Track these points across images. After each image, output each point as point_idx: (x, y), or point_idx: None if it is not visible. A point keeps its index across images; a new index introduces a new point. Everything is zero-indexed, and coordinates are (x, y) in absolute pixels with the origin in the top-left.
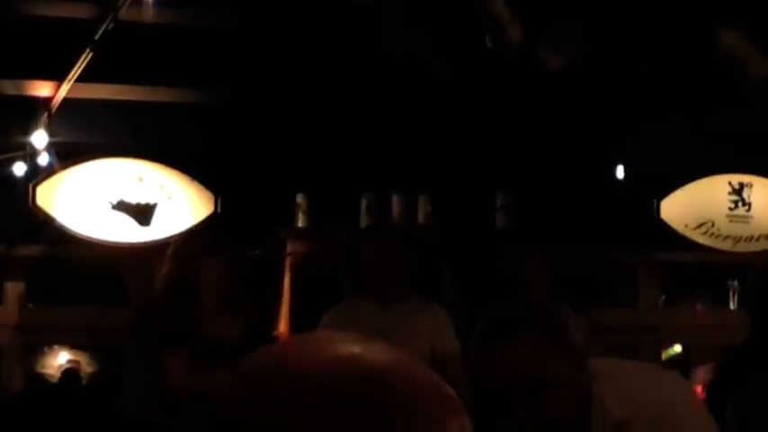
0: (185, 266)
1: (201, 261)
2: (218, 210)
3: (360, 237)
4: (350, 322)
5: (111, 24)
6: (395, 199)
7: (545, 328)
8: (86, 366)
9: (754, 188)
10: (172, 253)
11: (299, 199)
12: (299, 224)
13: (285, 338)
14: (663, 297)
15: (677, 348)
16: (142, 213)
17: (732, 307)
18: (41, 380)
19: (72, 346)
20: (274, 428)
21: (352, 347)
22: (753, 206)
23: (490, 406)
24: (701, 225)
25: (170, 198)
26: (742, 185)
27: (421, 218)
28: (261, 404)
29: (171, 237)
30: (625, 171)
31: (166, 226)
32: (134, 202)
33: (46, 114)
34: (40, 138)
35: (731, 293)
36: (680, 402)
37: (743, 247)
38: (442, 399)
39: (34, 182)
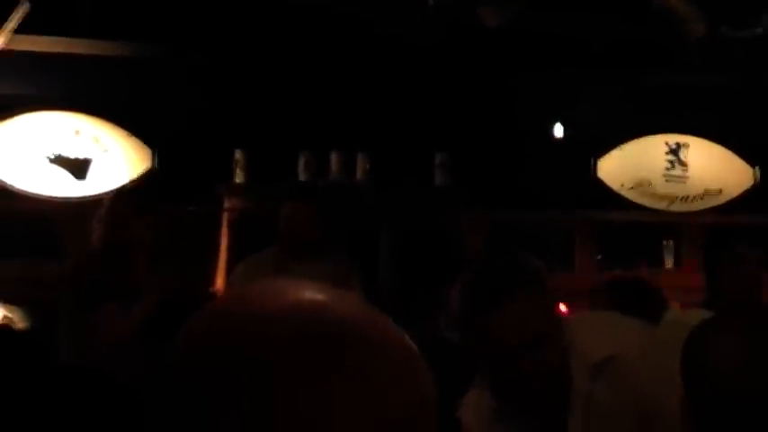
0: (115, 225)
1: (131, 219)
2: (156, 165)
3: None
4: (258, 273)
5: None
6: (333, 156)
7: (538, 283)
8: (19, 322)
9: (690, 148)
10: (103, 212)
11: (238, 155)
12: (237, 180)
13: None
14: (599, 257)
15: None
16: (78, 167)
17: (667, 267)
18: None
19: (5, 300)
20: (243, 370)
21: (315, 295)
22: (689, 166)
23: (487, 362)
24: (637, 185)
25: (106, 152)
26: (678, 145)
27: (359, 175)
28: (229, 346)
29: (107, 192)
30: (563, 130)
31: (102, 180)
32: (70, 156)
33: None
34: None
35: (666, 253)
36: (664, 338)
37: (679, 207)
38: (404, 352)
39: None
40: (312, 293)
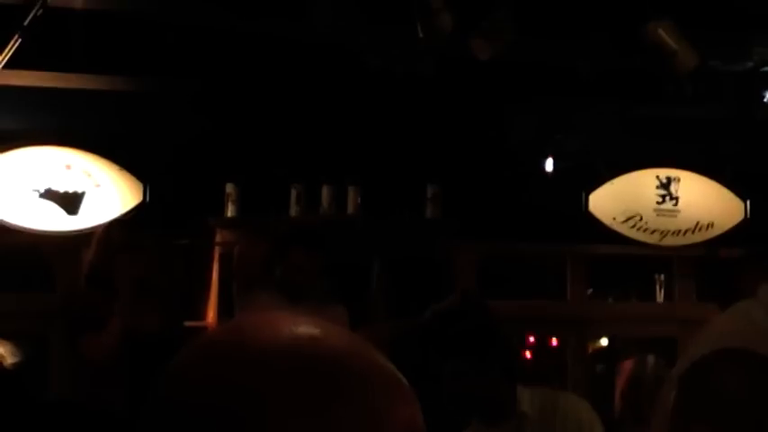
0: (101, 257)
1: (117, 252)
2: (147, 198)
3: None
4: None
5: (41, 11)
6: (325, 189)
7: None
8: (9, 357)
9: (681, 182)
10: (92, 243)
11: (229, 188)
12: (229, 214)
13: (212, 328)
14: (590, 290)
15: (604, 341)
16: (70, 202)
17: (658, 300)
18: None
19: None
20: (239, 401)
21: (311, 330)
22: (680, 200)
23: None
24: (628, 219)
25: (98, 186)
26: (669, 179)
27: (351, 208)
28: (222, 377)
29: (99, 225)
30: (554, 163)
31: (94, 214)
32: (61, 190)
33: None
34: None
35: (658, 287)
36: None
37: (670, 241)
38: (395, 384)
39: None
40: (307, 327)
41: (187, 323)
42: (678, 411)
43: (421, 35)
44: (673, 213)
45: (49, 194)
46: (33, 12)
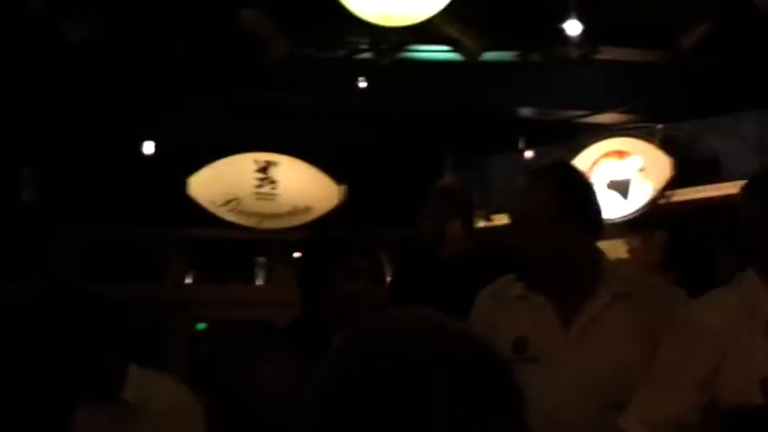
0: None
1: None
2: None
3: None
4: None
5: None
6: None
7: None
8: None
9: (280, 166)
10: None
11: None
12: None
13: None
14: (191, 273)
15: (204, 324)
16: None
17: (259, 283)
18: None
19: None
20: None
21: None
22: (279, 184)
23: None
24: (228, 202)
25: None
26: (268, 164)
27: None
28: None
29: None
30: (155, 147)
31: None
32: None
33: None
34: None
35: (258, 270)
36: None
37: (269, 224)
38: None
39: None
40: None
41: None
42: None
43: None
44: (271, 197)
45: None
46: None
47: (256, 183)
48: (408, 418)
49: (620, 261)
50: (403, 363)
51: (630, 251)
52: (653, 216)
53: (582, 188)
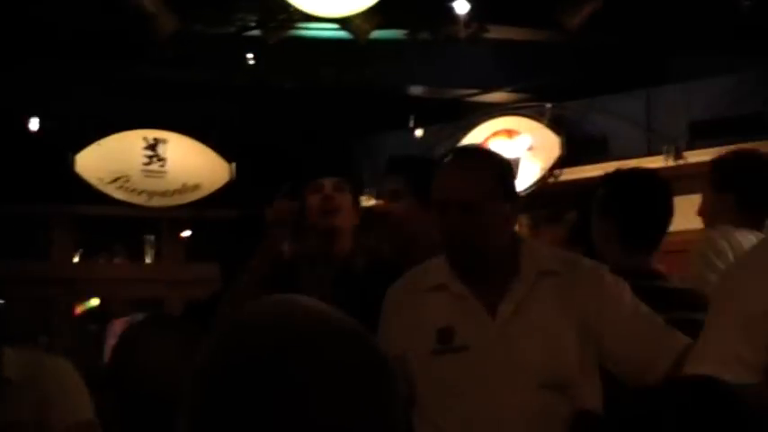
0: None
1: None
2: None
3: None
4: None
5: None
6: None
7: None
8: None
9: (169, 144)
10: None
11: None
12: None
13: None
14: (80, 251)
15: (94, 302)
16: None
17: (148, 261)
18: None
19: None
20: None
21: None
22: (167, 162)
23: None
24: (115, 179)
25: None
26: (157, 141)
27: None
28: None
29: None
30: (41, 123)
31: None
32: None
33: None
34: None
35: (147, 247)
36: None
37: (158, 202)
38: None
39: None
40: None
41: None
42: None
43: None
44: (160, 174)
45: None
46: None
47: (145, 160)
48: (276, 401)
49: (535, 241)
50: (260, 349)
51: (533, 232)
52: (547, 195)
53: (513, 173)
